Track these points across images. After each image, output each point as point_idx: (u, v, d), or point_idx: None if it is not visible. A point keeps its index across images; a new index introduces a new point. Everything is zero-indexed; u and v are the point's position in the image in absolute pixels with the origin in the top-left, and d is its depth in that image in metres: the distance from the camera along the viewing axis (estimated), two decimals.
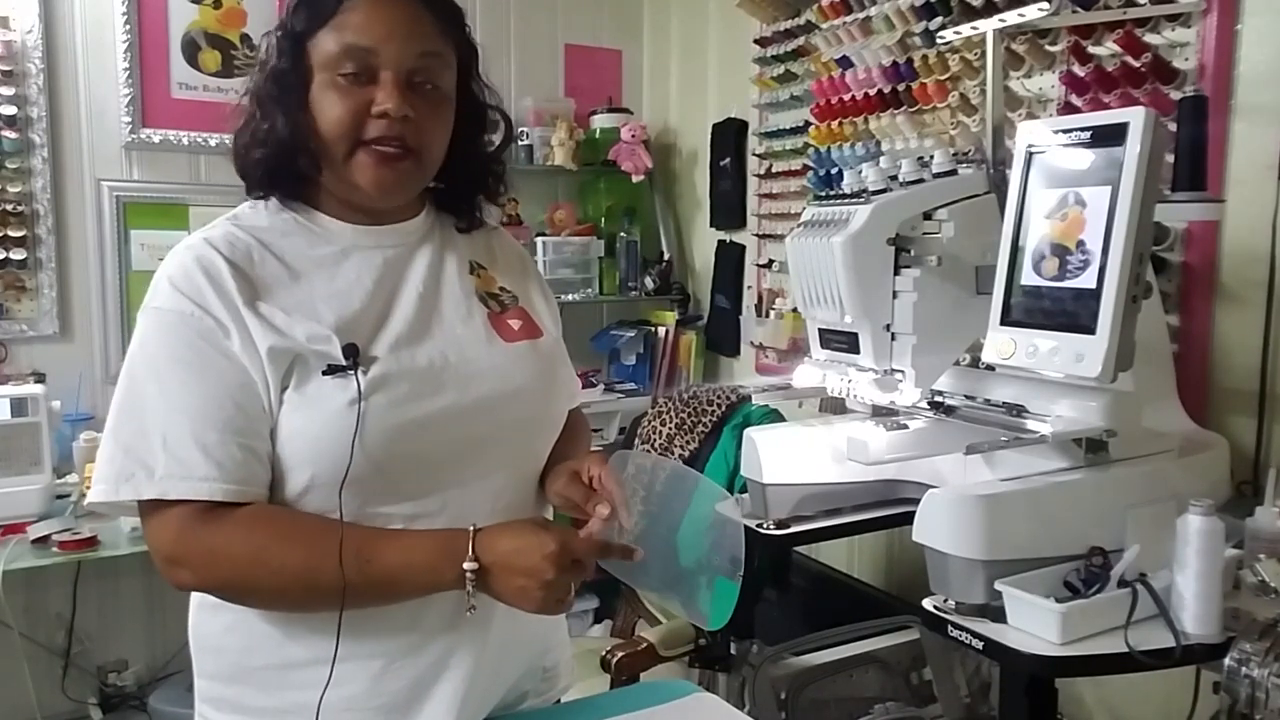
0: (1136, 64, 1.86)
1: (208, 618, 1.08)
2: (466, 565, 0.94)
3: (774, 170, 3.00)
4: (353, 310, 1.04)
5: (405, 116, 1.02)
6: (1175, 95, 1.78)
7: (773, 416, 2.43)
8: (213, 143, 2.90)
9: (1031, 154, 1.41)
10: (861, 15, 2.53)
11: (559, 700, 1.26)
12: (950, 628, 1.31)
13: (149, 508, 0.98)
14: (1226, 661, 1.16)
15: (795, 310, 2.73)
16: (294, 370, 0.99)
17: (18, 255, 2.70)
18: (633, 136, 3.34)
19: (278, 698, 1.04)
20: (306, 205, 1.10)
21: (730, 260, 3.23)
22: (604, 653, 1.95)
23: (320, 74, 1.03)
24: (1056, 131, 1.39)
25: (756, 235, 3.10)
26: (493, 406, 1.08)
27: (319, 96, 1.03)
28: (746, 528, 1.78)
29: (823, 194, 1.87)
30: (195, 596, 1.09)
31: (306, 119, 1.04)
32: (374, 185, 1.05)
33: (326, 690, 1.00)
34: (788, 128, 2.90)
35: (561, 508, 1.14)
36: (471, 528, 0.96)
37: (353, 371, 0.99)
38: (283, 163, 1.06)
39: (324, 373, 0.99)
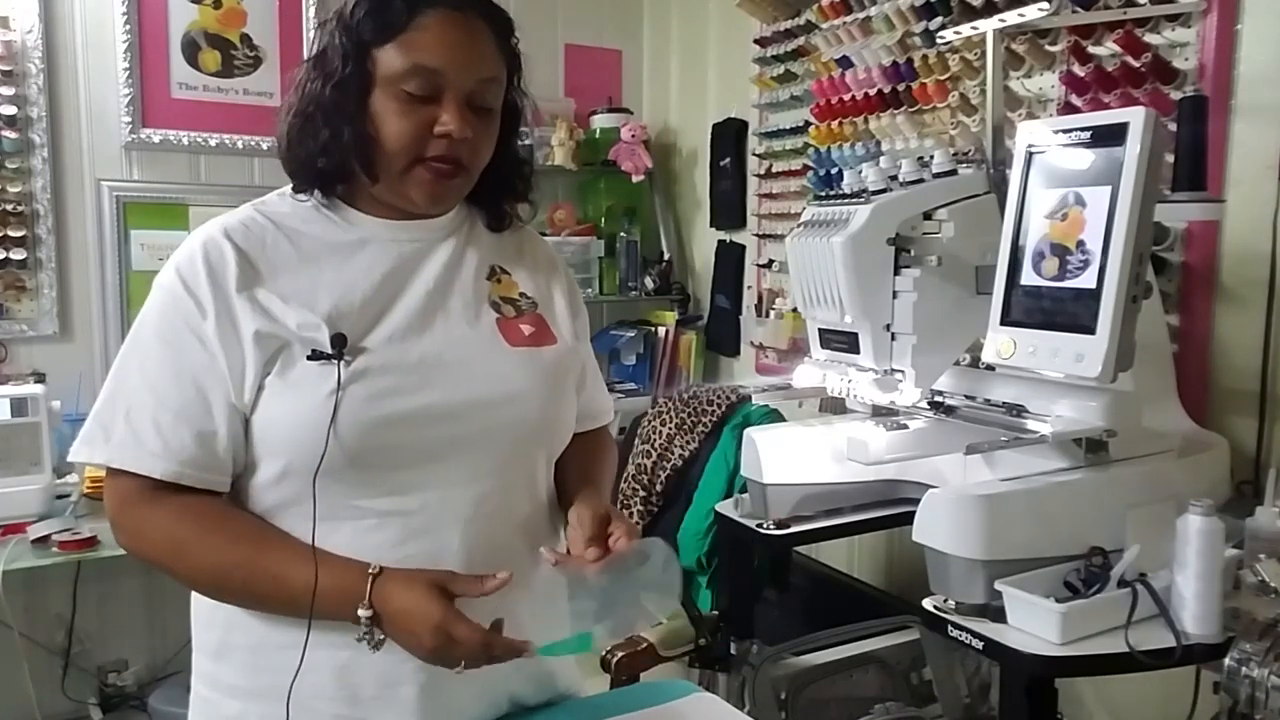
0: (1136, 64, 1.86)
1: None
2: (361, 612, 0.96)
3: (774, 170, 3.00)
4: (351, 300, 1.05)
5: (465, 138, 1.04)
6: (1175, 95, 1.77)
7: (773, 416, 2.43)
8: (213, 143, 2.89)
9: (1031, 154, 1.41)
10: (861, 15, 2.53)
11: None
12: (950, 628, 1.31)
13: (109, 470, 1.03)
14: (1226, 661, 1.16)
15: (795, 310, 2.73)
16: (279, 356, 1.01)
17: (18, 255, 2.70)
18: (633, 136, 3.34)
19: (252, 679, 1.06)
20: (338, 198, 1.11)
21: (730, 260, 3.23)
22: (604, 653, 1.95)
23: (384, 86, 1.03)
24: (1056, 131, 1.39)
25: (756, 235, 3.10)
26: (483, 409, 1.07)
27: (381, 108, 1.04)
28: (747, 528, 1.78)
29: (823, 194, 1.87)
30: None
31: (368, 127, 1.04)
32: (427, 200, 1.08)
33: (296, 678, 1.01)
34: (788, 128, 2.89)
35: (569, 535, 1.13)
36: (372, 572, 0.97)
37: (336, 361, 1.00)
38: (341, 169, 1.07)
39: (308, 358, 1.00)
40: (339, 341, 1.01)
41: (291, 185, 1.11)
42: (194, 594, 1.11)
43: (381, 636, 0.97)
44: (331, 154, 1.05)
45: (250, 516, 1.04)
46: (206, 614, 1.09)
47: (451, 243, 1.14)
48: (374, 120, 1.04)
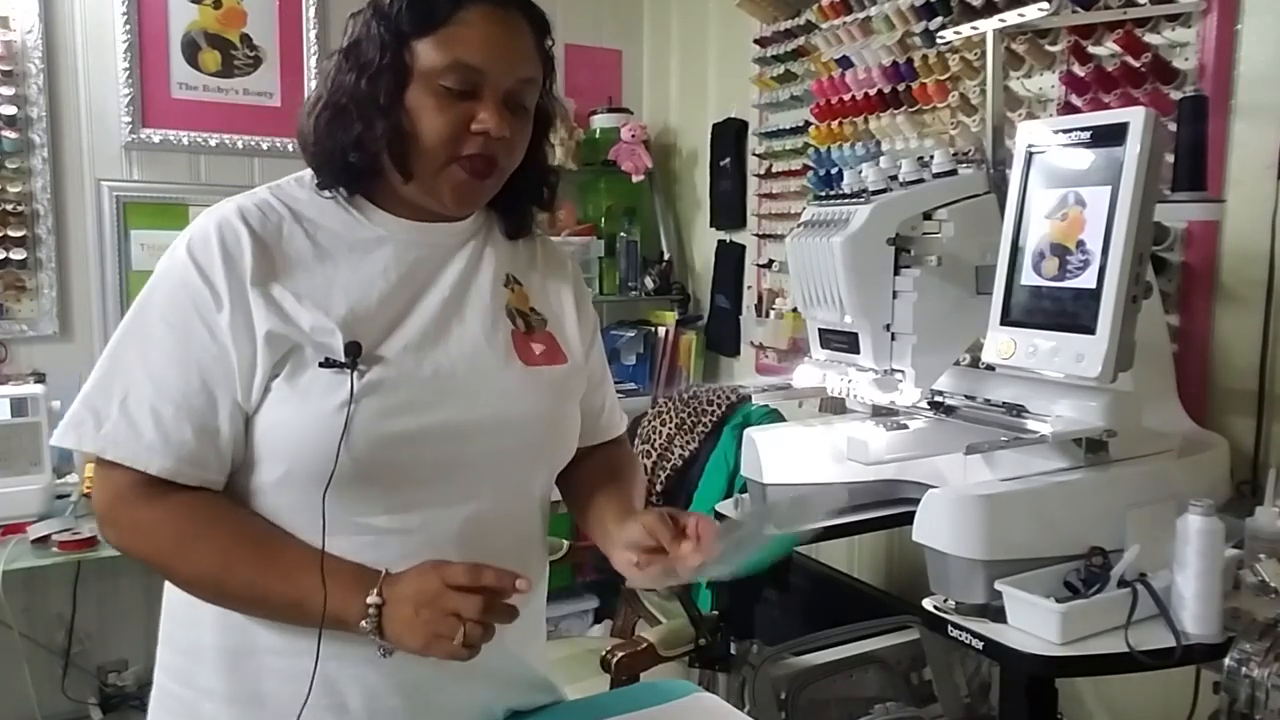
0: (1136, 64, 1.86)
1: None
2: (370, 600, 0.91)
3: (774, 170, 3.00)
4: (367, 304, 1.01)
5: (502, 137, 1.01)
6: (1175, 95, 1.77)
7: (773, 416, 2.43)
8: (213, 143, 2.89)
9: (1031, 154, 1.41)
10: (861, 15, 2.53)
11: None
12: (950, 628, 1.31)
13: (100, 459, 0.98)
14: (1226, 661, 1.16)
15: (795, 310, 2.73)
16: (289, 359, 0.97)
17: (18, 255, 2.69)
18: (633, 136, 3.33)
19: (229, 683, 1.02)
20: (360, 194, 1.07)
21: (730, 260, 3.23)
22: (604, 653, 1.95)
23: (421, 81, 0.99)
24: (1056, 131, 1.39)
25: (756, 235, 3.10)
26: (491, 431, 1.05)
27: (417, 102, 1.00)
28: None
29: (823, 194, 1.87)
30: None
31: (403, 122, 1.00)
32: (457, 198, 1.04)
33: (285, 683, 0.99)
34: (788, 128, 2.89)
35: (635, 542, 1.06)
36: (385, 571, 0.94)
37: (349, 371, 0.96)
38: (373, 165, 1.03)
39: (321, 364, 0.96)
40: (353, 350, 0.97)
41: (316, 181, 1.06)
42: (167, 588, 1.07)
43: (391, 647, 0.92)
44: (364, 148, 1.01)
45: (253, 514, 1.00)
46: (180, 609, 1.05)
47: (469, 248, 1.11)
48: (409, 115, 0.99)
